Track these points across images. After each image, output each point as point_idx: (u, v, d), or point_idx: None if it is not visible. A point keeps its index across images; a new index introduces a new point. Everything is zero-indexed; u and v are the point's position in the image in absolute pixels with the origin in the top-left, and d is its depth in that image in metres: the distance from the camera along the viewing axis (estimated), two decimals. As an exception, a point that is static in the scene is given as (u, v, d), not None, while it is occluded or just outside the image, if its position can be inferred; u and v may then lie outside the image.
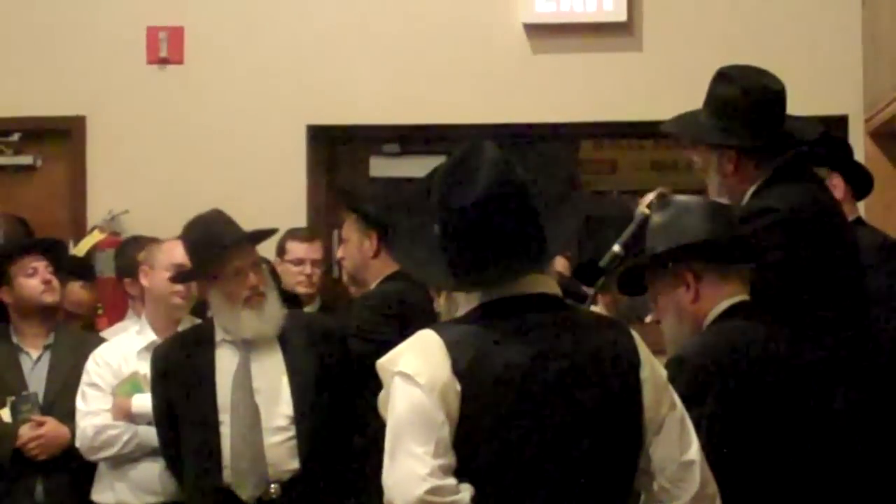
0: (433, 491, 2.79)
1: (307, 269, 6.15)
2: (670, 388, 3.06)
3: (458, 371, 2.86)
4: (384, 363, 2.97)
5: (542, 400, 2.89)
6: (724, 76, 4.06)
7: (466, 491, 2.83)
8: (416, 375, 2.86)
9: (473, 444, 2.85)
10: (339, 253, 5.21)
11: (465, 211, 2.93)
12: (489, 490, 2.84)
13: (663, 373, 3.06)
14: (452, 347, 2.88)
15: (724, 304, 3.43)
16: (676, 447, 3.00)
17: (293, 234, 6.31)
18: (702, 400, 3.23)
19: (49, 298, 5.25)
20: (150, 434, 4.80)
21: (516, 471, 2.87)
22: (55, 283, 5.28)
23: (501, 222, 2.93)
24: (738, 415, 3.26)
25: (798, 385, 3.36)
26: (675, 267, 3.47)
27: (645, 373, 2.99)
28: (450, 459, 2.84)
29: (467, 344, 2.89)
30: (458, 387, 2.85)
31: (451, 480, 2.83)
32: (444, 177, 2.99)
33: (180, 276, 4.80)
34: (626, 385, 2.97)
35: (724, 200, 3.93)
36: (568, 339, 2.96)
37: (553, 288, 3.05)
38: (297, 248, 6.23)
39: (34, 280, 5.22)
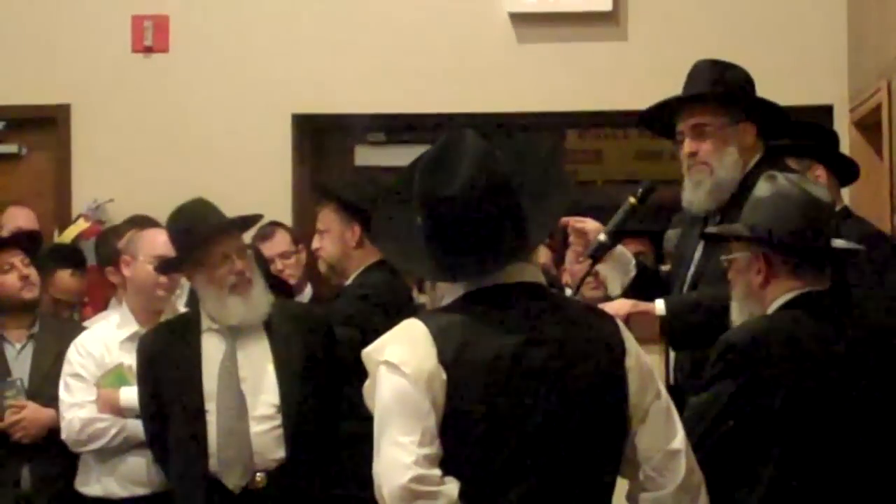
0: (418, 479, 2.80)
1: (277, 265, 6.12)
2: (655, 376, 3.08)
3: (443, 360, 2.87)
4: (370, 352, 2.97)
5: (527, 388, 2.90)
6: (721, 63, 4.22)
7: (453, 483, 2.84)
8: (402, 365, 2.87)
9: (459, 434, 2.86)
10: (315, 244, 5.18)
11: (445, 202, 2.93)
12: (475, 479, 2.85)
13: (648, 361, 3.08)
14: (438, 337, 2.89)
15: (789, 295, 3.45)
16: (662, 436, 3.01)
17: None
18: (727, 376, 3.30)
19: (28, 294, 5.22)
20: (138, 427, 4.75)
21: (502, 459, 2.88)
22: (33, 277, 5.25)
23: (482, 213, 2.93)
24: (762, 399, 3.29)
25: (831, 382, 3.37)
26: (751, 249, 3.51)
27: (630, 361, 3.01)
28: (436, 449, 2.85)
29: (453, 333, 2.90)
30: (444, 376, 2.86)
31: (437, 471, 2.84)
32: (425, 167, 2.99)
33: (165, 266, 4.78)
34: (611, 373, 2.98)
35: (735, 174, 4.07)
36: (553, 328, 2.97)
37: (537, 277, 3.06)
38: (262, 249, 6.16)
39: (11, 277, 5.19)
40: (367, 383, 2.99)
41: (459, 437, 2.86)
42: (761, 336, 3.37)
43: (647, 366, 3.06)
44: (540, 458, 2.90)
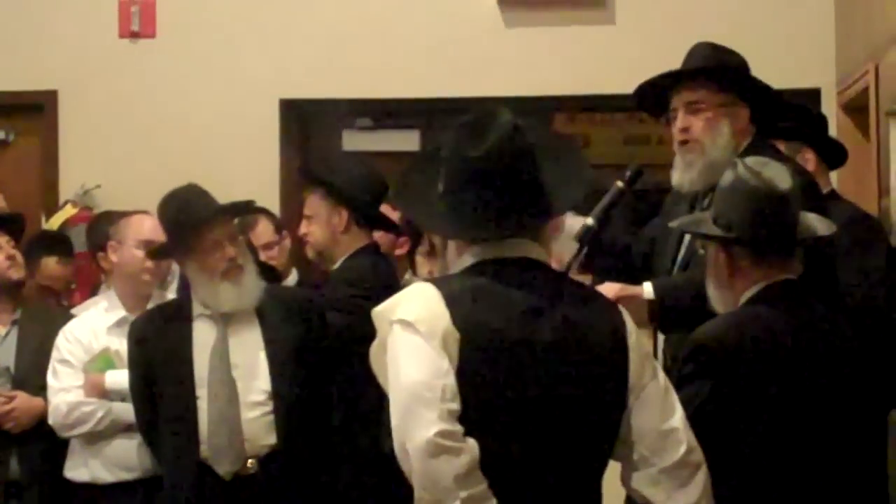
0: (443, 434, 2.82)
1: (260, 257, 6.12)
2: (653, 358, 3.14)
3: (456, 322, 2.91)
4: (381, 311, 3.02)
5: (535, 355, 2.95)
6: (720, 46, 4.21)
7: (474, 441, 2.86)
8: (417, 323, 2.91)
9: (466, 395, 2.88)
10: (303, 229, 5.18)
11: (469, 162, 3.00)
12: (480, 441, 2.87)
13: (646, 343, 3.13)
14: (449, 299, 2.94)
15: (757, 287, 3.44)
16: (657, 415, 3.04)
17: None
18: (698, 378, 3.28)
19: (15, 274, 5.21)
20: (124, 410, 4.77)
21: (507, 423, 2.92)
22: (19, 258, 5.25)
23: (502, 179, 3.00)
24: (733, 400, 3.27)
25: (802, 377, 3.33)
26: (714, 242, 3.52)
27: (632, 339, 3.06)
28: (456, 406, 2.87)
29: (463, 297, 2.95)
30: (458, 335, 2.90)
31: (459, 427, 2.86)
32: (455, 131, 3.07)
33: (156, 251, 4.78)
34: (613, 348, 3.04)
35: (726, 155, 4.02)
36: (558, 302, 3.01)
37: (544, 257, 3.11)
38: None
39: None
40: (374, 344, 3.03)
41: (467, 399, 2.88)
42: (730, 336, 3.34)
43: (645, 346, 3.12)
44: (541, 426, 2.94)
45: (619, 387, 3.03)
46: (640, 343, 3.09)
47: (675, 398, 3.08)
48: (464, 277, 3.03)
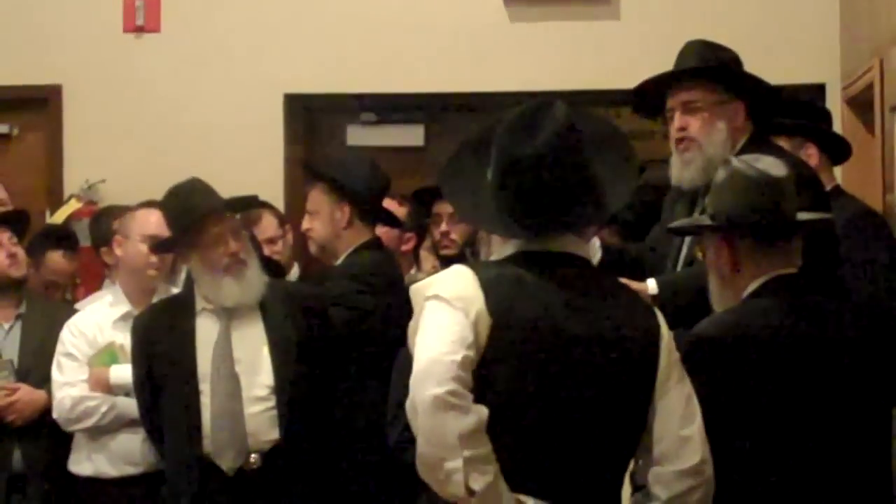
0: (453, 393, 2.84)
1: (264, 251, 6.12)
2: (681, 365, 3.13)
3: (489, 306, 2.93)
4: (419, 287, 3.05)
5: (566, 348, 2.97)
6: (712, 44, 4.22)
7: (483, 407, 2.87)
8: (452, 300, 2.94)
9: (490, 380, 2.91)
10: (306, 224, 5.18)
11: (518, 162, 3.00)
12: (499, 424, 2.88)
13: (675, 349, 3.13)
14: (486, 284, 2.96)
15: (760, 281, 3.43)
16: (677, 420, 3.05)
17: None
18: (696, 374, 3.25)
19: (16, 272, 5.22)
20: (128, 405, 4.79)
21: (532, 412, 2.94)
22: (21, 255, 5.26)
23: (553, 177, 3.00)
24: (732, 396, 3.26)
25: (803, 371, 3.31)
26: (715, 237, 3.50)
27: (664, 342, 3.08)
28: (471, 379, 2.88)
29: (500, 285, 2.97)
30: (490, 320, 2.92)
31: (470, 395, 2.87)
32: (507, 125, 3.07)
33: (159, 246, 4.79)
34: (646, 348, 3.06)
35: (724, 152, 4.00)
36: (596, 297, 3.05)
37: (585, 252, 3.15)
38: None
39: None
40: (411, 322, 3.06)
41: (488, 384, 2.91)
42: (729, 331, 3.33)
43: (675, 351, 3.12)
44: (566, 418, 2.96)
45: (647, 387, 3.04)
46: (671, 346, 3.10)
47: (696, 407, 3.08)
48: (502, 265, 3.05)
